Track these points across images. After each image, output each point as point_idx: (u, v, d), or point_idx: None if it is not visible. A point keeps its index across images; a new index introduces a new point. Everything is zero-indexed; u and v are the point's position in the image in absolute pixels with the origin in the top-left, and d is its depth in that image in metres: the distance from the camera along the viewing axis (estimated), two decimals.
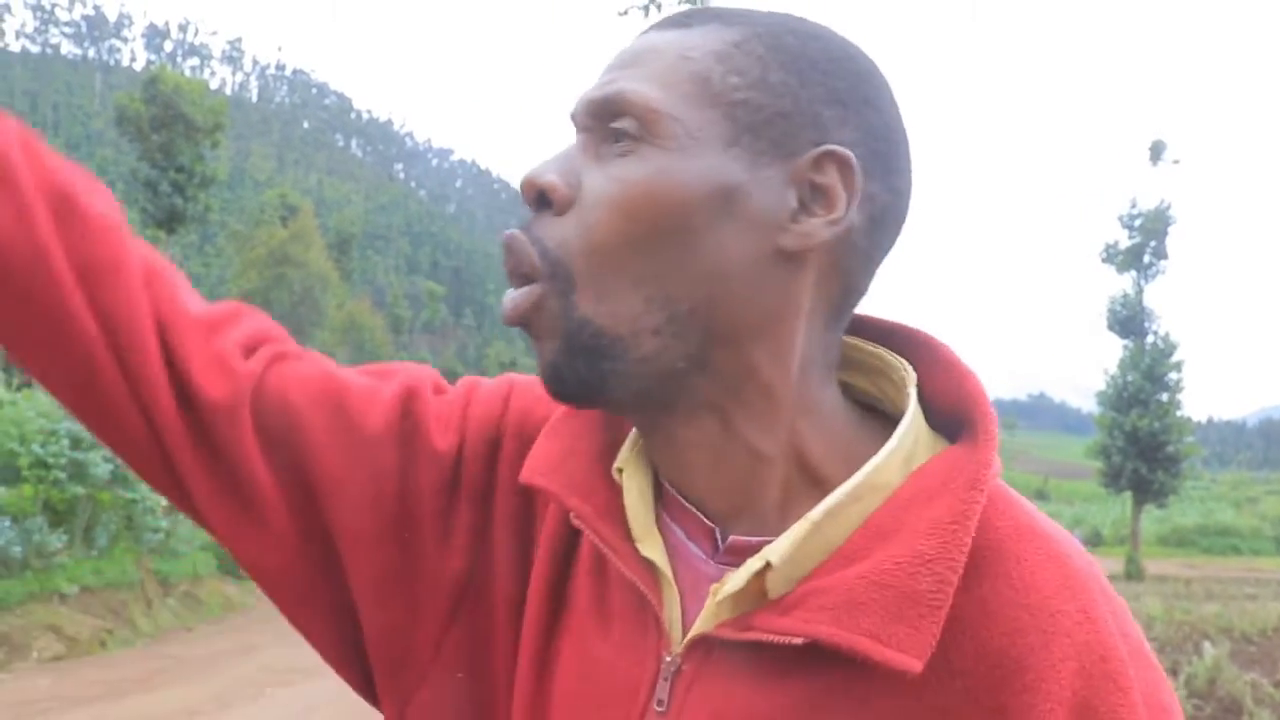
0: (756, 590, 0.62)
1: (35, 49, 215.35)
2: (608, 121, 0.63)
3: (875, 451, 0.63)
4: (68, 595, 13.10)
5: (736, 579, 0.62)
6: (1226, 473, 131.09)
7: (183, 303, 0.75)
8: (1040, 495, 78.77)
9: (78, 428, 13.48)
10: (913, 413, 0.64)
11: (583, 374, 0.63)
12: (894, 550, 0.58)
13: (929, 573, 0.56)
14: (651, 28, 0.67)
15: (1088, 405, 52.92)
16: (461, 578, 0.76)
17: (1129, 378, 31.23)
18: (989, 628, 0.58)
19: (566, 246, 0.62)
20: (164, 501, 12.30)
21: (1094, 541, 43.20)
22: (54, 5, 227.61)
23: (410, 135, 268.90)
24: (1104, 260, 33.02)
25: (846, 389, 0.70)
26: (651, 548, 0.67)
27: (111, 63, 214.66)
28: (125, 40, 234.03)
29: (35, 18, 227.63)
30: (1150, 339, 31.95)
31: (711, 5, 0.70)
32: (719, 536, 0.66)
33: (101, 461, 13.57)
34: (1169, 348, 31.45)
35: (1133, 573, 26.60)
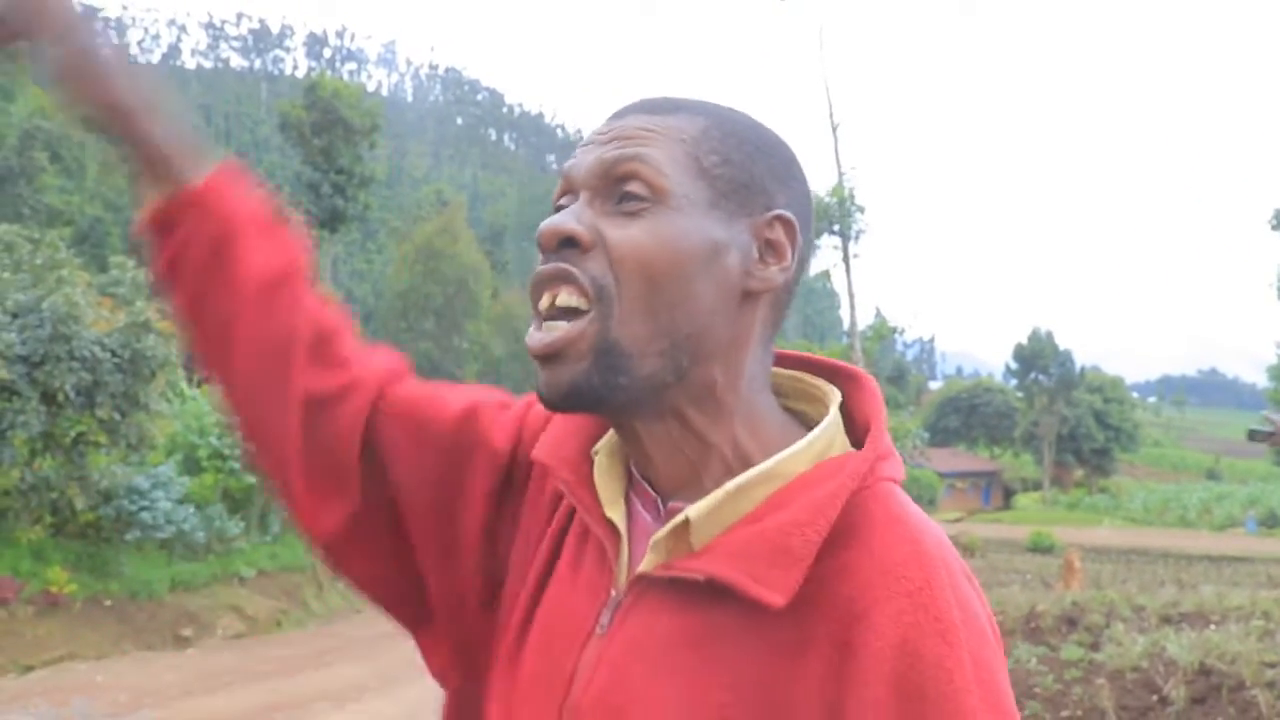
0: (685, 543, 0.79)
1: (209, 64, 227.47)
2: (619, 184, 0.80)
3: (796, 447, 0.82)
4: (246, 578, 13.81)
5: (665, 529, 0.80)
6: None
7: (342, 331, 1.01)
8: (1212, 475, 73.75)
9: None
10: (828, 422, 0.83)
11: (598, 388, 0.79)
12: (781, 517, 0.76)
13: (800, 535, 0.74)
14: (636, 111, 0.84)
15: (1262, 380, 49.74)
16: (503, 548, 0.97)
17: None
18: (847, 583, 0.74)
19: (607, 280, 0.78)
20: None
21: (1270, 523, 40.58)
22: (224, 22, 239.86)
23: (561, 127, 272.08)
24: (1274, 227, 30.95)
25: (790, 410, 0.88)
26: (614, 511, 0.86)
27: (276, 72, 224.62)
28: (288, 50, 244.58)
29: (208, 35, 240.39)
30: None
31: (676, 97, 0.87)
32: (660, 504, 0.85)
33: None
34: None
35: None
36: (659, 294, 0.78)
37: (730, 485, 0.78)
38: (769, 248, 0.82)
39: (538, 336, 0.80)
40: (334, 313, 0.99)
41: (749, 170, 0.82)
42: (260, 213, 0.96)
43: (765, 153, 0.84)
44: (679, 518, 0.78)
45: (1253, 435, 3.42)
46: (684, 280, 0.78)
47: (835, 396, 0.86)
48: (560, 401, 0.81)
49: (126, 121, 0.92)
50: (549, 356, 0.79)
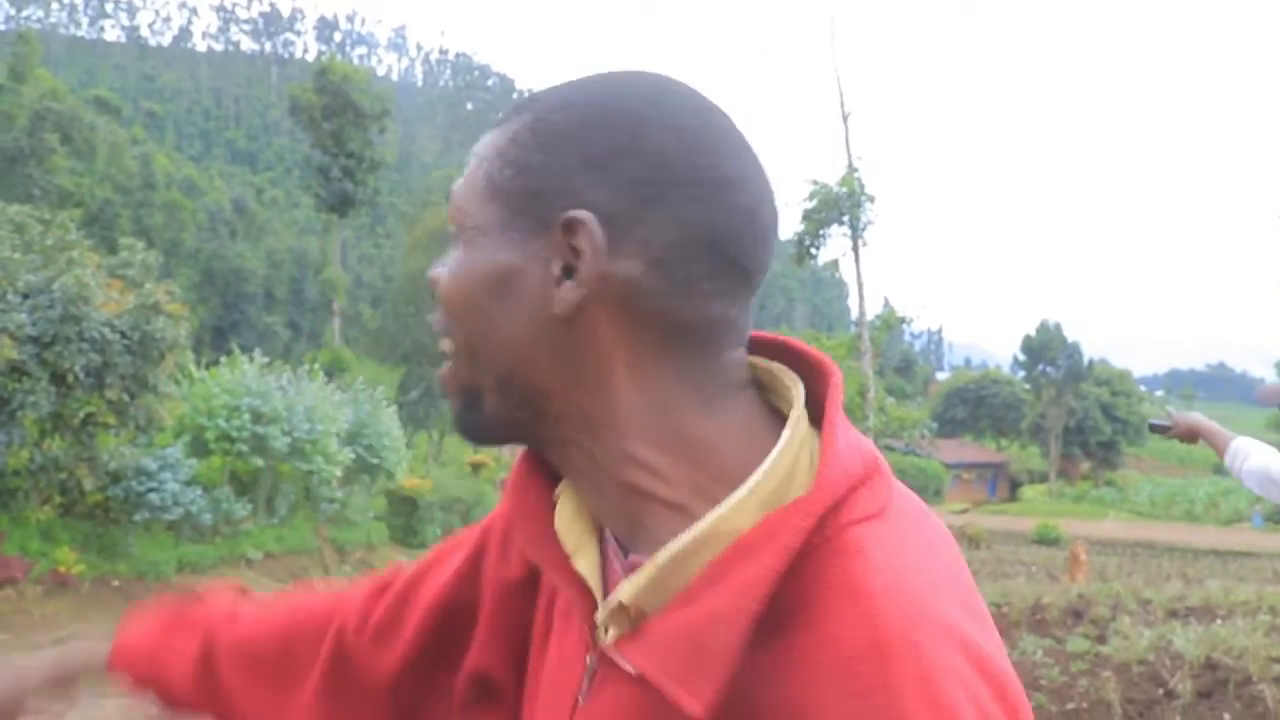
0: (637, 610, 0.68)
1: (219, 47, 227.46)
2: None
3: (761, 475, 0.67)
4: (253, 560, 13.86)
5: (605, 606, 0.70)
6: None
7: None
8: (1218, 469, 73.42)
9: (258, 403, 14.24)
10: (781, 448, 0.68)
11: (472, 424, 0.76)
12: (706, 604, 0.63)
13: (718, 632, 0.61)
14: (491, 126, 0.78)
15: (1270, 375, 49.55)
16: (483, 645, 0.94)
17: None
18: (790, 677, 0.61)
19: (441, 322, 0.77)
20: (338, 473, 12.68)
21: (1277, 518, 40.52)
22: (234, 4, 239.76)
23: None
24: None
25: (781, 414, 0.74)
26: (582, 561, 0.75)
27: (286, 56, 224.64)
28: (299, 33, 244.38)
29: (219, 17, 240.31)
30: None
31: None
32: (622, 554, 0.74)
33: (280, 435, 14.26)
34: None
35: None
36: (464, 332, 0.73)
37: (661, 558, 0.66)
38: (576, 258, 0.69)
39: None
40: (248, 609, 1.09)
41: (545, 174, 0.70)
42: (162, 632, 1.11)
43: (576, 139, 0.70)
44: (614, 598, 0.68)
45: (1152, 428, 3.42)
46: (479, 316, 0.72)
47: (799, 398, 0.72)
48: (464, 435, 0.79)
49: None
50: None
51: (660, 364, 0.70)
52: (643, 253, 0.68)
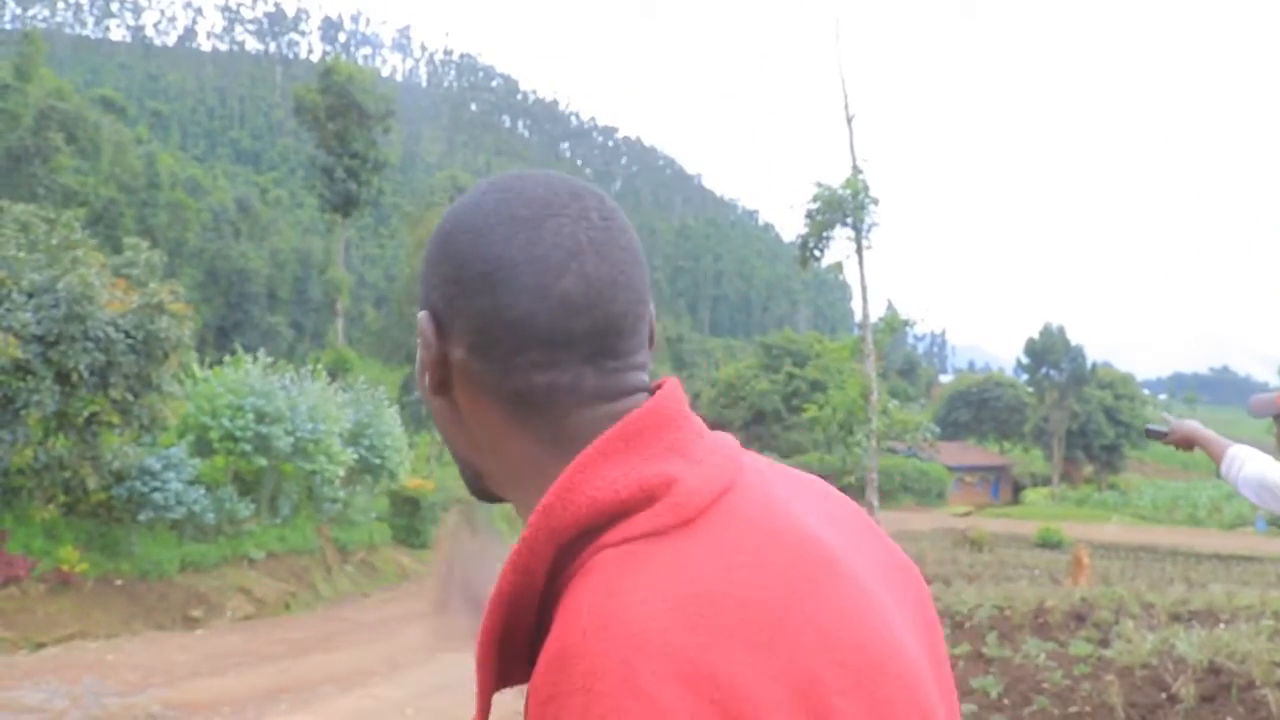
0: None
1: (224, 47, 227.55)
2: None
3: None
4: (255, 560, 13.87)
5: None
6: None
7: None
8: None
9: (262, 402, 14.25)
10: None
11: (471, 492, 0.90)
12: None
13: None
14: None
15: (1274, 379, 49.44)
16: None
17: None
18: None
19: None
20: (341, 472, 12.70)
21: None
22: (239, 4, 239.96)
23: (575, 114, 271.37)
24: None
25: None
26: None
27: (291, 56, 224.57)
28: (303, 34, 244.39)
29: (224, 17, 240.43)
30: None
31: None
32: None
33: (283, 434, 14.26)
34: None
35: None
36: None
37: None
38: (425, 349, 0.84)
39: None
40: None
41: (419, 283, 0.86)
42: None
43: (428, 252, 0.85)
44: None
45: (1148, 434, 3.39)
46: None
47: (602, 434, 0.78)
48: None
49: None
50: None
51: (514, 428, 0.80)
52: (463, 340, 0.80)
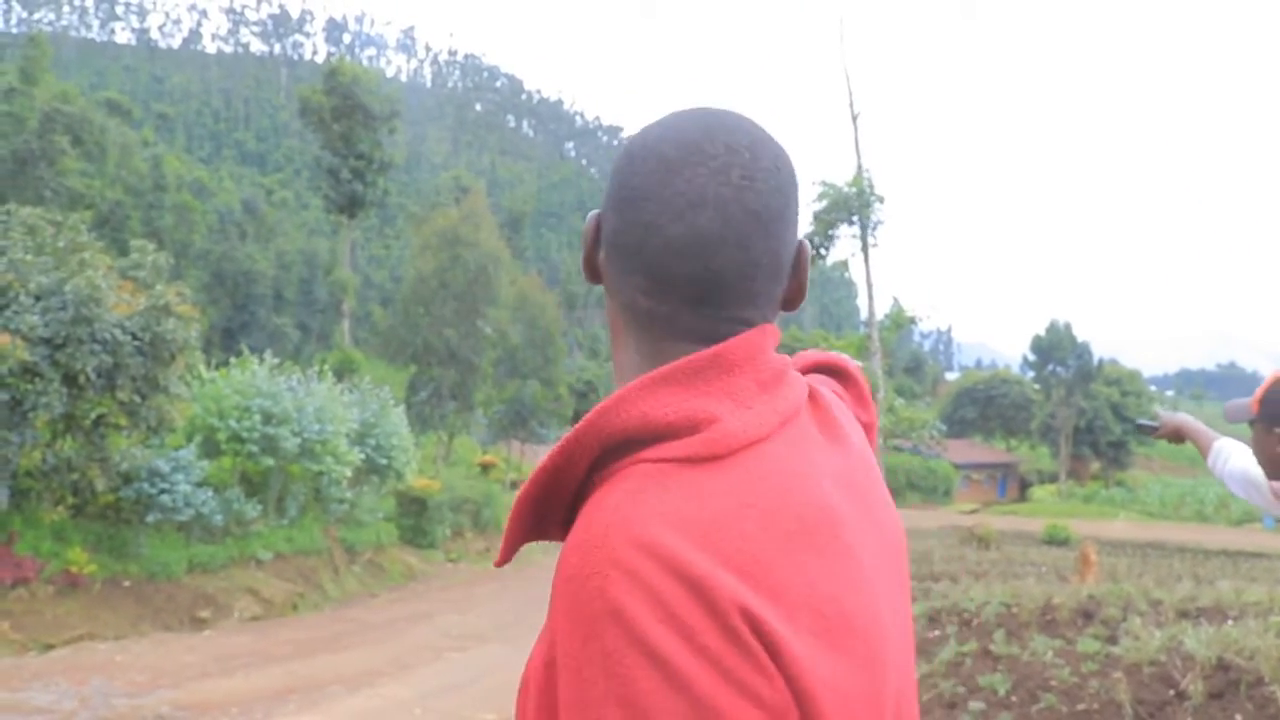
0: None
1: (229, 49, 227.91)
2: None
3: None
4: (263, 561, 13.88)
5: None
6: None
7: None
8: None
9: (269, 403, 14.27)
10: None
11: None
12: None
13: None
14: None
15: None
16: None
17: None
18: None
19: None
20: (348, 473, 12.71)
21: None
22: (244, 7, 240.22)
23: (580, 114, 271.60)
24: None
25: None
26: None
27: (296, 57, 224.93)
28: (308, 35, 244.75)
29: (228, 20, 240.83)
30: None
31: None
32: None
33: (290, 435, 14.28)
34: None
35: None
36: None
37: None
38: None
39: None
40: None
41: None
42: None
43: (612, 169, 0.94)
44: None
45: (1139, 428, 3.40)
46: None
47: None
48: None
49: None
50: None
51: (625, 335, 0.92)
52: (605, 246, 0.92)
